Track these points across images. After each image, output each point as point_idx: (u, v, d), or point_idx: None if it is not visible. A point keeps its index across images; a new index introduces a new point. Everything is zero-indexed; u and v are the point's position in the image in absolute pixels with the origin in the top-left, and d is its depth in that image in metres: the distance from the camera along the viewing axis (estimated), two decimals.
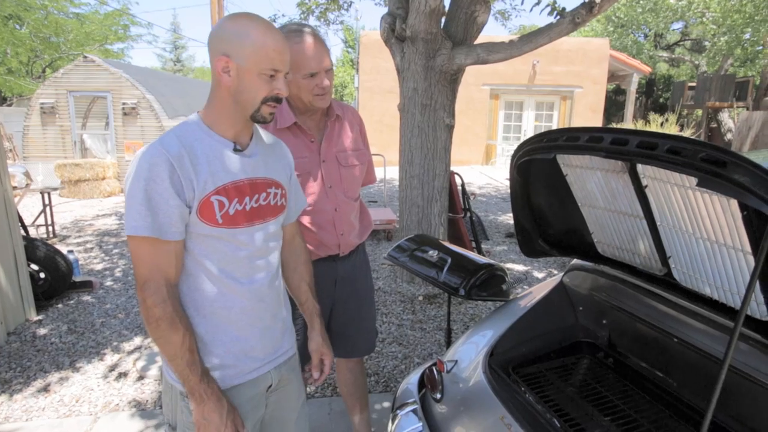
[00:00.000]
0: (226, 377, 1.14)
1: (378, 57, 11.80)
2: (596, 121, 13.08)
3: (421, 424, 1.58)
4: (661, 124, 12.08)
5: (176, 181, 1.02)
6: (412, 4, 3.38)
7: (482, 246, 4.64)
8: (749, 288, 0.79)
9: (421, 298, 3.89)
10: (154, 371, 2.82)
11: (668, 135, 0.94)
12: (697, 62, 18.44)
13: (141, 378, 2.78)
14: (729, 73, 15.60)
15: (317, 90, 1.55)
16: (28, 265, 3.53)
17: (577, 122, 12.98)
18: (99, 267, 4.78)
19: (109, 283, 4.31)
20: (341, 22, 7.20)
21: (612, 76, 14.28)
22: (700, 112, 15.12)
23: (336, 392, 2.59)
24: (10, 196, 3.36)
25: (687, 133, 12.69)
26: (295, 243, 1.40)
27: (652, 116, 12.74)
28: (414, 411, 1.61)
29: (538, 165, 1.40)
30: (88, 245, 5.55)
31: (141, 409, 2.49)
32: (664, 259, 1.24)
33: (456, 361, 1.71)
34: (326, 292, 1.82)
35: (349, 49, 26.27)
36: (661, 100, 19.98)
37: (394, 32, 3.58)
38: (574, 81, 12.93)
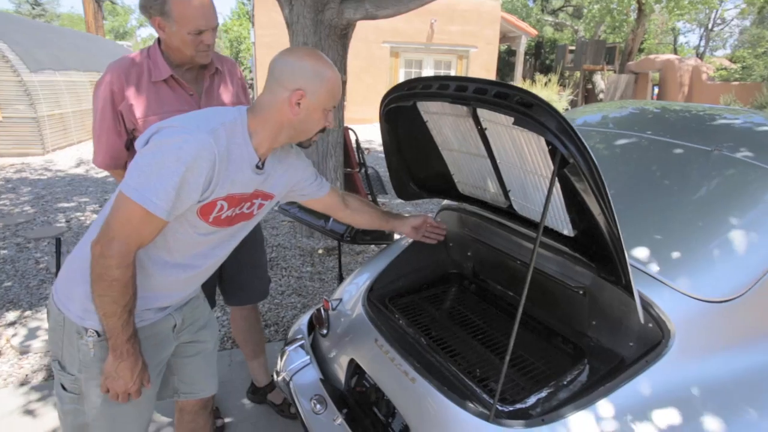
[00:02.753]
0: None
1: (274, 10, 11.18)
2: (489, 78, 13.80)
3: (308, 357, 1.72)
4: (545, 84, 13.11)
5: (208, 181, 1.05)
6: None
7: (379, 199, 4.84)
8: (545, 205, 0.99)
9: (320, 251, 4.00)
10: (36, 344, 2.65)
11: (496, 82, 1.11)
12: (576, 27, 20.05)
13: (22, 353, 2.60)
14: (601, 38, 17.21)
15: (202, 47, 1.53)
16: None
17: None
18: None
19: None
20: None
21: (504, 38, 15.04)
22: (578, 73, 16.59)
23: (235, 344, 2.65)
24: None
25: (567, 92, 13.92)
26: (347, 198, 1.60)
27: (538, 77, 13.75)
28: (301, 346, 1.75)
29: (402, 113, 1.52)
30: None
31: (21, 385, 2.35)
32: (506, 193, 1.45)
33: (340, 300, 1.86)
34: None
35: (245, 1, 24.52)
36: (547, 61, 21.52)
37: None
38: (470, 41, 13.44)
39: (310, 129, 1.17)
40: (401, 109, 1.50)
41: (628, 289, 1.06)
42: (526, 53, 17.00)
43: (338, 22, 3.52)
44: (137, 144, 1.06)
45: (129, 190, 1.00)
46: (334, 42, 3.61)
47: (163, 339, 1.29)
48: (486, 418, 1.14)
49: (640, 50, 18.97)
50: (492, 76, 13.92)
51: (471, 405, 1.18)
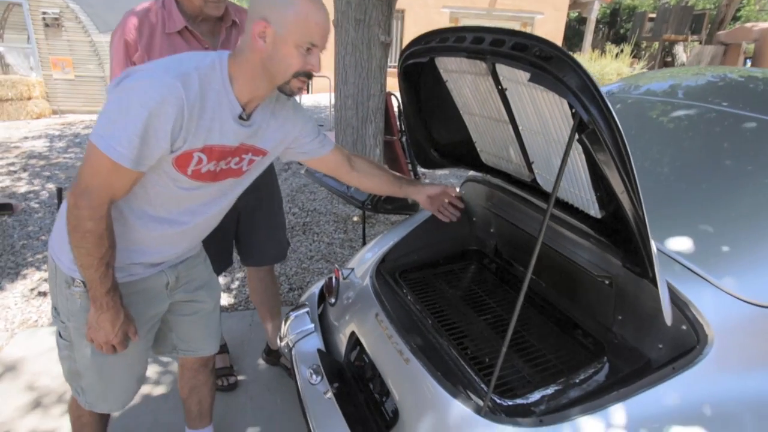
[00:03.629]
0: (119, 278, 1.15)
1: None
2: None
3: (312, 325, 1.67)
4: (616, 56, 12.11)
5: (177, 128, 0.97)
6: None
7: (419, 169, 4.68)
8: (558, 174, 0.83)
9: (355, 218, 3.94)
10: None
11: (515, 32, 0.94)
12: None
13: None
14: (689, 4, 15.55)
15: None
16: None
17: None
18: (23, 190, 4.54)
19: (34, 205, 4.13)
20: None
21: (574, 3, 13.96)
22: (656, 44, 15.19)
23: None
24: None
25: (639, 66, 12.81)
26: (354, 159, 1.46)
27: (609, 47, 12.71)
28: (307, 313, 1.69)
29: (422, 71, 1.38)
30: (12, 168, 5.22)
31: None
32: (529, 165, 1.28)
33: (352, 269, 1.78)
34: None
35: None
36: (622, 31, 19.87)
37: None
38: (536, 6, 12.60)
39: (283, 70, 1.00)
40: (419, 66, 1.36)
41: (654, 282, 0.90)
42: (599, 21, 15.71)
43: None
44: (108, 88, 1.00)
45: (95, 137, 0.95)
46: (379, 1, 3.43)
47: (155, 295, 1.26)
48: (478, 411, 1.03)
49: (735, 18, 17.01)
50: (558, 44, 13.02)
51: (464, 395, 1.07)
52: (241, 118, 1.07)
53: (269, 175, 1.96)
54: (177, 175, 1.07)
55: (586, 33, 13.76)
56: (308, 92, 11.99)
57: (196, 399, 1.59)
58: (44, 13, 7.95)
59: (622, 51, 12.25)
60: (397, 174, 1.55)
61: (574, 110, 0.91)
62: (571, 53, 0.83)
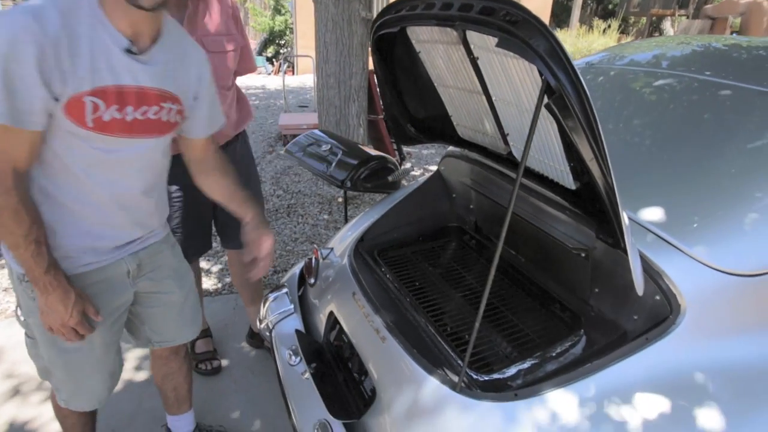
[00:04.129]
0: (69, 267, 1.09)
1: None
2: None
3: (291, 306, 1.65)
4: (603, 31, 12.01)
5: (46, 69, 0.86)
6: None
7: (405, 149, 4.65)
8: (527, 142, 0.81)
9: (340, 199, 3.91)
10: None
11: None
12: None
13: None
14: None
15: None
16: None
17: None
18: None
19: None
20: None
21: None
22: (644, 19, 15.10)
23: None
24: None
25: (627, 40, 12.73)
26: (209, 153, 1.29)
27: (597, 22, 12.61)
28: (286, 294, 1.67)
29: (393, 42, 1.33)
30: None
31: None
32: (504, 137, 1.26)
33: (332, 249, 1.76)
34: None
35: None
36: (610, 6, 19.70)
37: None
38: None
39: None
40: (392, 38, 1.31)
41: (626, 252, 0.88)
42: None
43: None
44: None
45: None
46: None
47: (115, 284, 1.20)
48: (453, 387, 1.02)
49: None
50: (546, 20, 12.84)
51: (440, 371, 1.07)
52: (130, 51, 0.96)
53: (244, 154, 1.92)
54: (78, 130, 0.96)
55: (574, 8, 13.62)
56: (293, 73, 11.79)
57: (170, 386, 1.57)
58: None
59: (609, 26, 12.15)
60: (243, 195, 1.35)
61: (543, 76, 0.88)
62: (537, 17, 0.79)
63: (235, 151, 1.85)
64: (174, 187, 1.73)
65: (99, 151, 1.01)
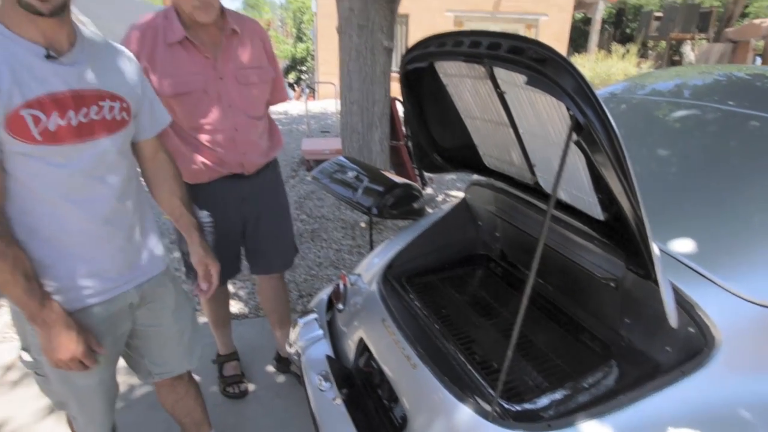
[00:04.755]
0: (73, 299, 1.11)
1: None
2: (560, 50, 12.67)
3: (321, 332, 1.67)
4: (623, 56, 12.03)
5: None
6: None
7: (426, 174, 4.69)
8: (557, 176, 0.83)
9: (363, 224, 3.95)
10: None
11: (511, 35, 0.95)
12: None
13: None
14: (696, 2, 15.42)
15: (195, 2, 1.46)
16: None
17: None
18: None
19: None
20: None
21: (579, 4, 13.91)
22: (664, 43, 15.07)
23: None
24: None
25: (646, 65, 12.71)
26: (159, 159, 1.32)
27: (615, 47, 12.64)
28: (315, 320, 1.70)
29: (422, 76, 1.39)
30: None
31: None
32: (531, 168, 1.28)
33: (359, 275, 1.79)
34: (233, 210, 1.84)
35: None
36: (628, 30, 19.74)
37: None
38: (540, 8, 12.58)
39: None
40: (420, 71, 1.37)
41: (657, 284, 0.89)
42: (604, 21, 15.62)
43: None
44: None
45: None
46: (381, 6, 3.45)
47: (118, 316, 1.22)
48: (485, 416, 1.02)
49: (744, 15, 16.83)
50: (564, 45, 12.98)
51: (472, 400, 1.07)
52: (50, 57, 0.97)
53: (274, 181, 1.98)
54: (30, 148, 0.96)
55: (591, 33, 13.70)
56: (314, 98, 12.07)
57: (183, 412, 1.56)
58: None
59: (628, 51, 12.17)
60: (185, 200, 1.37)
61: (571, 112, 0.92)
62: (566, 56, 0.83)
63: (265, 179, 1.91)
64: (204, 213, 1.80)
65: (59, 167, 1.02)
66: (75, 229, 1.09)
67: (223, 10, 1.63)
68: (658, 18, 15.37)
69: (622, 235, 1.06)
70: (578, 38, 17.60)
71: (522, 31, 12.99)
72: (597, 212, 1.10)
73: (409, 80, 1.42)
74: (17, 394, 2.10)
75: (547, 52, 0.84)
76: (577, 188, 1.10)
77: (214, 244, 1.88)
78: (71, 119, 1.01)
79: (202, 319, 2.28)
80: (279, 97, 1.91)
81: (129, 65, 1.18)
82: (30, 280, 1.01)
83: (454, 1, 12.05)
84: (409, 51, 1.31)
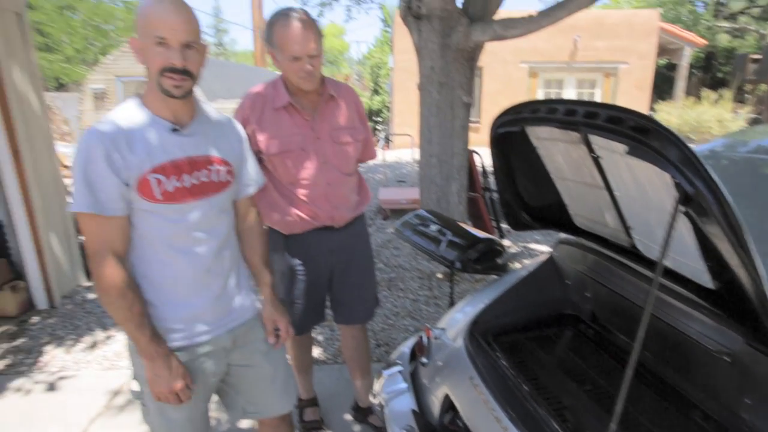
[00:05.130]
0: (174, 339, 1.24)
1: None
2: (643, 98, 12.42)
3: (405, 385, 1.69)
4: (716, 101, 11.33)
5: (113, 162, 1.09)
6: None
7: (503, 225, 4.63)
8: (664, 246, 0.83)
9: (440, 275, 3.96)
10: None
11: (608, 105, 0.98)
12: (764, 31, 17.01)
13: None
14: None
15: (301, 73, 1.64)
16: (78, 237, 3.87)
17: (622, 100, 12.38)
18: None
19: None
20: (372, 0, 7.19)
21: (663, 50, 13.46)
22: (764, 86, 14.01)
23: None
24: (59, 175, 3.68)
25: (745, 110, 11.84)
26: (249, 218, 1.47)
27: (706, 93, 11.95)
28: (400, 372, 1.72)
29: (512, 137, 1.43)
30: None
31: None
32: (627, 230, 1.26)
33: (444, 329, 1.80)
34: (322, 260, 1.94)
35: (388, 29, 26.03)
36: (720, 74, 18.64)
37: (411, 10, 3.59)
38: (619, 56, 12.32)
39: (152, 70, 1.11)
40: (510, 134, 1.42)
41: None
42: (692, 66, 14.89)
43: (465, 45, 3.51)
44: None
45: (71, 206, 1.11)
46: (461, 65, 3.60)
47: (212, 358, 1.32)
48: None
49: None
50: (646, 94, 12.51)
51: None
52: (175, 130, 1.17)
53: (361, 235, 2.08)
54: (153, 206, 1.14)
55: (678, 79, 13.11)
56: (389, 148, 12.48)
57: None
58: None
59: (721, 96, 11.45)
60: (265, 258, 1.50)
61: (676, 180, 0.91)
62: (650, 103, 0.84)
63: (353, 232, 2.01)
64: (297, 261, 1.92)
65: (173, 222, 1.19)
66: (180, 276, 1.24)
67: (323, 79, 1.81)
68: (755, 60, 14.40)
69: (738, 306, 1.00)
70: (662, 84, 16.89)
71: (600, 79, 12.74)
72: (706, 280, 1.05)
73: (498, 140, 1.47)
74: (122, 419, 2.29)
75: (649, 122, 0.85)
76: (682, 255, 1.07)
77: (303, 291, 1.99)
78: (186, 181, 1.20)
79: None
80: (369, 155, 2.04)
81: (234, 133, 1.38)
82: (143, 318, 1.16)
83: (529, 52, 12.15)
84: (500, 116, 1.37)
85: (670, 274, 1.19)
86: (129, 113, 1.16)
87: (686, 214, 0.82)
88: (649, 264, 1.29)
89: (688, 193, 0.79)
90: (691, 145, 0.81)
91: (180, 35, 1.08)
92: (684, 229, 0.99)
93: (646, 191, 1.05)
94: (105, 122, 1.13)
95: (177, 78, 1.11)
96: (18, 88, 3.24)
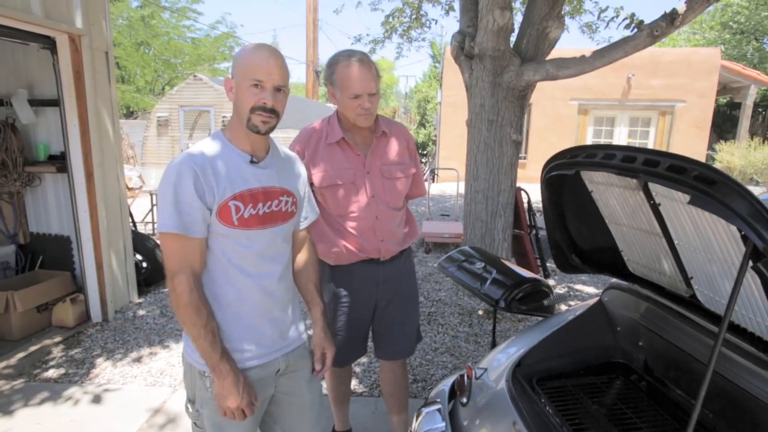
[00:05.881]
0: (239, 360, 1.29)
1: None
2: (701, 137, 11.93)
3: (444, 424, 1.65)
4: None
5: (199, 188, 1.20)
6: (480, 22, 3.46)
7: (548, 264, 4.51)
8: (730, 301, 0.79)
9: (480, 312, 3.88)
10: None
11: (670, 154, 0.96)
12: None
13: None
14: None
15: (359, 110, 1.72)
16: (134, 255, 4.09)
17: (678, 139, 11.94)
18: None
19: None
20: (423, 39, 7.39)
21: (724, 89, 12.97)
22: None
23: (382, 393, 2.71)
24: (124, 196, 3.94)
25: None
26: (305, 248, 1.56)
27: None
28: (439, 410, 1.69)
29: (565, 181, 1.43)
30: None
31: None
32: (687, 280, 1.21)
33: (485, 369, 1.76)
34: (367, 292, 1.96)
35: (437, 65, 26.55)
36: None
37: (463, 50, 3.67)
38: (676, 94, 11.95)
39: (243, 107, 1.22)
40: (564, 176, 1.41)
41: None
42: (757, 105, 14.19)
43: (517, 84, 3.53)
44: None
45: (157, 226, 1.20)
46: (511, 103, 3.62)
47: (268, 380, 1.37)
48: None
49: None
50: (705, 133, 12.02)
51: None
52: (252, 162, 1.28)
53: (407, 269, 2.09)
54: (229, 231, 1.23)
55: (742, 119, 12.52)
56: (434, 181, 12.54)
57: None
58: (224, 116, 9.78)
59: None
60: (318, 286, 1.57)
61: (743, 233, 0.88)
62: (709, 143, 0.82)
63: (399, 266, 2.02)
64: (343, 292, 1.95)
65: (244, 247, 1.27)
66: (246, 298, 1.31)
67: (376, 117, 1.88)
68: None
69: None
70: (723, 123, 16.18)
71: (655, 118, 12.38)
72: None
73: (551, 182, 1.47)
74: None
75: (714, 174, 0.84)
76: (748, 309, 1.02)
77: (346, 322, 2.01)
78: (259, 210, 1.29)
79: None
80: (418, 191, 2.07)
81: (300, 169, 1.49)
82: (215, 335, 1.23)
83: (579, 90, 12.00)
84: (554, 158, 1.37)
85: (733, 328, 1.13)
86: (215, 145, 1.27)
87: (755, 268, 0.79)
88: (710, 316, 1.23)
89: (758, 248, 0.76)
90: (758, 191, 0.78)
91: (274, 79, 1.22)
92: (753, 284, 0.95)
93: (709, 242, 1.01)
94: (195, 152, 1.24)
95: (265, 116, 1.23)
96: (98, 118, 3.54)
